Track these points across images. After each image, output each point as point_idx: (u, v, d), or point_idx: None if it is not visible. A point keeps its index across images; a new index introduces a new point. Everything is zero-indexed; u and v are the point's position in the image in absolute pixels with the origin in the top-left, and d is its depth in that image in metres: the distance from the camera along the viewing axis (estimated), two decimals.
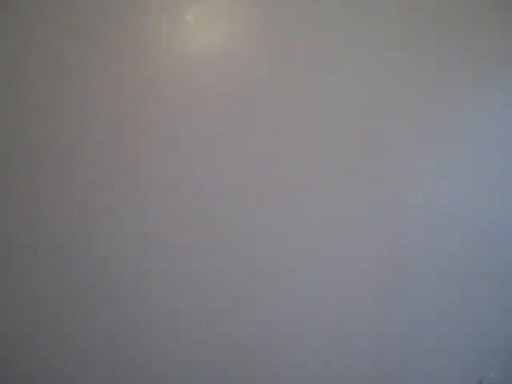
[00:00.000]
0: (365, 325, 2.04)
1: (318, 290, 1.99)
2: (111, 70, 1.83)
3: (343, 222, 2.02)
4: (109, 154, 1.83)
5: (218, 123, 1.91)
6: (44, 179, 1.77)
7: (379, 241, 2.05)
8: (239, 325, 1.92)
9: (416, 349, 2.08)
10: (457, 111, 2.15)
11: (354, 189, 2.03)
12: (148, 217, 1.85)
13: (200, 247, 1.89)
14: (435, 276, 2.11)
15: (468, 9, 2.18)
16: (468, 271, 2.14)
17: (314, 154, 2.00)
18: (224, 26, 1.94)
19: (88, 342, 1.80)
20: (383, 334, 2.05)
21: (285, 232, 1.96)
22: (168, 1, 1.88)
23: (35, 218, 1.76)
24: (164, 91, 1.87)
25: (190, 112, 1.89)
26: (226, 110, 1.92)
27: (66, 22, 1.79)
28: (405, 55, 2.11)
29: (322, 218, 2.00)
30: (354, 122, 2.04)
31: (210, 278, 1.90)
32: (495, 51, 2.21)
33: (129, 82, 1.84)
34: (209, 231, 1.89)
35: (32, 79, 1.77)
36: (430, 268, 2.10)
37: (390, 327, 2.06)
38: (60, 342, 1.78)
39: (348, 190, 2.02)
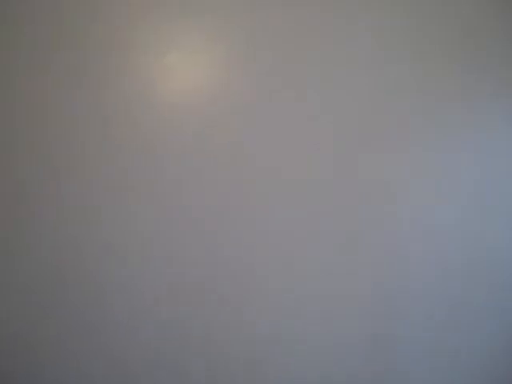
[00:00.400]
0: (362, 340, 2.00)
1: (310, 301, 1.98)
2: (93, 107, 1.83)
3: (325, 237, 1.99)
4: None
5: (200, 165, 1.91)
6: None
7: (371, 255, 2.02)
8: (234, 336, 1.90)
9: (408, 361, 2.03)
10: (446, 124, 2.11)
11: (339, 202, 2.00)
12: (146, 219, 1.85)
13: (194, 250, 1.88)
14: (434, 274, 2.07)
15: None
16: (466, 271, 2.10)
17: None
18: (205, 65, 1.92)
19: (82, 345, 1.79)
20: (380, 342, 2.01)
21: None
22: (150, 39, 1.87)
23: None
24: (145, 129, 1.86)
25: (165, 153, 1.88)
26: (203, 153, 1.91)
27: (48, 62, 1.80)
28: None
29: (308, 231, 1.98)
30: (339, 134, 2.01)
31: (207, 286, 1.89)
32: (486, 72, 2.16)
33: (109, 119, 1.84)
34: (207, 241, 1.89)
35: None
36: (428, 266, 2.07)
37: (386, 335, 2.02)
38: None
39: (331, 204, 1.99)
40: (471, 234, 2.10)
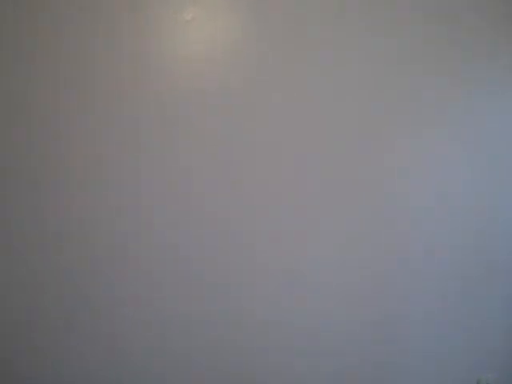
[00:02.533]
0: (364, 326, 2.04)
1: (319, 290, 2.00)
2: (107, 68, 1.82)
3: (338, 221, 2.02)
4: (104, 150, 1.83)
5: (216, 121, 1.91)
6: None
7: (376, 239, 2.05)
8: (237, 325, 1.93)
9: (414, 350, 2.08)
10: (446, 107, 2.14)
11: (350, 191, 2.03)
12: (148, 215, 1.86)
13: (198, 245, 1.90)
14: (433, 275, 2.10)
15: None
16: (466, 270, 2.14)
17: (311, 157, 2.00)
18: (221, 24, 1.93)
19: (88, 344, 1.82)
20: (381, 334, 2.05)
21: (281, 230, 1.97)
22: None
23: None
24: (160, 89, 1.86)
25: (187, 110, 1.88)
26: (224, 108, 1.92)
27: (60, 22, 1.78)
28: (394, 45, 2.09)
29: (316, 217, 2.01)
30: (346, 121, 2.04)
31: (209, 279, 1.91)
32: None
33: (125, 79, 1.83)
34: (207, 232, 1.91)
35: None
36: (428, 267, 2.10)
37: (388, 327, 2.05)
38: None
39: (342, 191, 2.03)
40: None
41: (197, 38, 1.90)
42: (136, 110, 1.84)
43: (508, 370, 2.17)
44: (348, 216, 2.03)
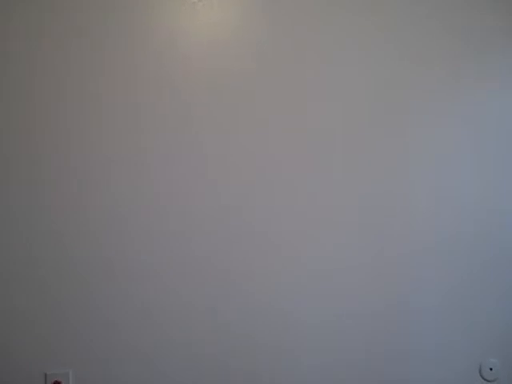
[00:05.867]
0: (365, 312, 2.02)
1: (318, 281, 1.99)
2: (115, 50, 1.82)
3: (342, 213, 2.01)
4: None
5: (221, 105, 1.90)
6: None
7: (381, 231, 2.03)
8: (240, 314, 1.92)
9: (415, 334, 2.06)
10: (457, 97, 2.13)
11: (355, 182, 2.02)
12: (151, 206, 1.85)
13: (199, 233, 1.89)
14: (434, 259, 2.08)
15: None
16: (468, 256, 2.12)
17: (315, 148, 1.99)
18: (228, 6, 1.91)
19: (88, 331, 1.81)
20: (382, 319, 2.03)
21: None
22: None
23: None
24: (168, 71, 1.85)
25: (193, 93, 1.87)
26: (230, 91, 1.90)
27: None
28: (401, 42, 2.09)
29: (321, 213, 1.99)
30: (354, 109, 2.03)
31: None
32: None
33: (133, 62, 1.83)
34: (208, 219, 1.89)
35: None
36: (429, 253, 2.08)
37: (388, 312, 2.04)
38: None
39: (348, 183, 2.01)
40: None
41: (204, 18, 1.89)
42: (140, 92, 1.84)
43: (510, 355, 2.16)
44: (360, 206, 2.02)
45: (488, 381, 2.13)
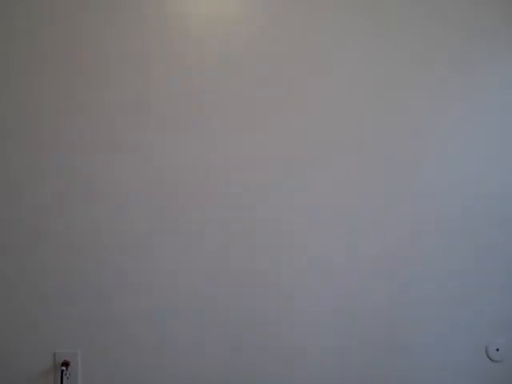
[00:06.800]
0: (372, 295, 2.03)
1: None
2: (121, 29, 1.87)
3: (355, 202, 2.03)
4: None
5: (240, 83, 1.95)
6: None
7: (380, 229, 2.05)
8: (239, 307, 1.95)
9: (420, 316, 2.06)
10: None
11: (366, 173, 2.03)
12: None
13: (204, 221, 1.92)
14: (445, 242, 2.09)
15: None
16: (476, 235, 2.10)
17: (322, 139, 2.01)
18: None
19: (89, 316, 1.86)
20: (389, 304, 2.04)
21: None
22: None
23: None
24: (176, 49, 1.90)
25: (201, 72, 1.92)
26: (249, 70, 1.95)
27: None
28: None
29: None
30: (365, 98, 2.04)
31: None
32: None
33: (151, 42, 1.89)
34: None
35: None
36: (439, 235, 2.08)
37: (393, 294, 2.05)
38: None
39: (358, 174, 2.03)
40: None
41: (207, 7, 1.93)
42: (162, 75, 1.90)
43: None
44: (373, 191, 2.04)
45: (495, 361, 2.11)
